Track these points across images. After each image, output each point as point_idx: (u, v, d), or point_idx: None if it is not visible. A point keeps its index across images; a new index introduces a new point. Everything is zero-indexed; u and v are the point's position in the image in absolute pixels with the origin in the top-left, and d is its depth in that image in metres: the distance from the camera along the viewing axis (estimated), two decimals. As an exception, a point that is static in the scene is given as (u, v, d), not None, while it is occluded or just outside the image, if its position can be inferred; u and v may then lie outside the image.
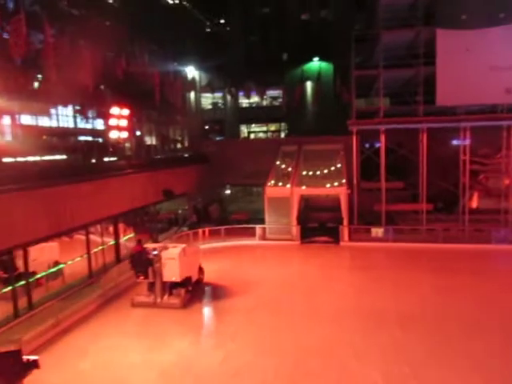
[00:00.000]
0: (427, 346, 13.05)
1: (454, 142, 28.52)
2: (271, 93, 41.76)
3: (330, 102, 36.52)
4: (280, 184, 27.46)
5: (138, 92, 27.04)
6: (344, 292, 18.13)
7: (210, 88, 39.84)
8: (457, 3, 25.68)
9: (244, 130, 44.40)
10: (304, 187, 26.90)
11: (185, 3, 45.19)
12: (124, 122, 23.55)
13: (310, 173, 28.97)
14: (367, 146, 30.88)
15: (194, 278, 17.85)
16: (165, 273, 16.43)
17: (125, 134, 23.91)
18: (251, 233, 26.23)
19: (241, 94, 42.50)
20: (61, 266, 18.25)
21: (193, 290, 17.49)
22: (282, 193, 26.56)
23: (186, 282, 16.94)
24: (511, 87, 25.41)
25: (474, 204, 28.87)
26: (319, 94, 36.57)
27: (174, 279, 16.49)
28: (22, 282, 15.25)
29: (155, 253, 16.51)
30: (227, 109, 42.97)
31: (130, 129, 25.24)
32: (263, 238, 26.37)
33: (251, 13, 43.68)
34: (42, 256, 17.47)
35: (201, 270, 18.88)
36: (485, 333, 13.84)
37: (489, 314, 15.36)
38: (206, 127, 43.40)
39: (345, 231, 25.85)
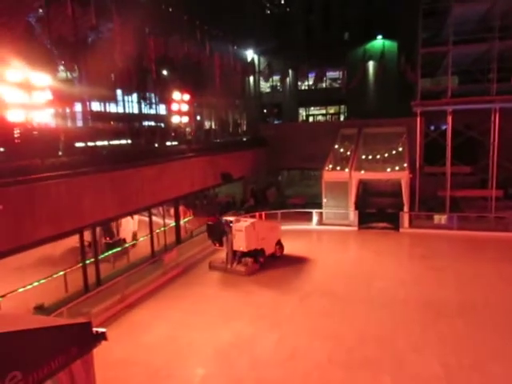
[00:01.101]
0: (489, 338, 12.48)
1: (532, 124, 26.31)
2: (331, 74, 40.87)
3: (393, 83, 35.11)
4: (338, 168, 27.01)
5: (198, 77, 27.62)
6: (402, 280, 17.62)
7: (269, 71, 39.69)
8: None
9: (302, 113, 43.93)
10: (363, 171, 26.24)
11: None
12: (185, 107, 24.21)
13: (370, 157, 28.18)
14: (432, 128, 29.36)
15: (269, 251, 19.82)
16: (234, 243, 18.81)
17: (185, 119, 24.60)
18: (308, 217, 26.17)
19: (300, 76, 42.04)
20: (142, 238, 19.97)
21: (264, 262, 19.32)
22: (340, 177, 26.11)
23: (255, 254, 19.01)
24: None
25: (551, 191, 26.60)
26: (382, 75, 35.22)
27: (241, 249, 18.77)
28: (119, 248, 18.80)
29: (230, 224, 18.85)
30: (286, 92, 42.63)
31: (191, 113, 25.94)
32: (320, 222, 26.20)
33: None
34: (128, 226, 21.14)
35: (279, 245, 20.69)
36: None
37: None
38: (265, 111, 43.44)
39: (405, 217, 24.98)
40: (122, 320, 14.62)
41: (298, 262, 20.14)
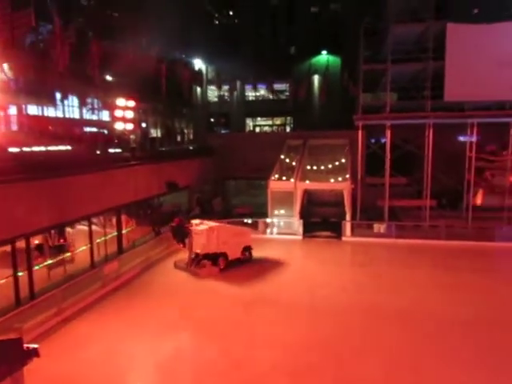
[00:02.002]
0: (424, 342, 13.10)
1: (461, 139, 28.26)
2: (278, 86, 41.60)
3: (336, 97, 36.34)
4: (284, 178, 27.47)
5: (144, 83, 27.07)
6: (344, 287, 18.12)
7: (217, 81, 39.77)
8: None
9: (250, 123, 44.33)
10: (308, 182, 26.87)
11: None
12: (130, 114, 23.61)
13: (315, 167, 28.93)
14: (373, 141, 30.71)
15: (233, 256, 20.37)
16: (194, 244, 19.75)
17: (130, 126, 23.98)
18: (254, 226, 26.29)
19: (248, 87, 42.48)
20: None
21: (226, 266, 19.91)
22: (286, 187, 26.56)
23: (216, 257, 19.66)
24: (519, 84, 25.00)
25: (479, 201, 28.61)
26: (326, 88, 36.35)
27: (198, 251, 19.65)
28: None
29: (191, 227, 19.83)
30: (233, 102, 42.87)
31: (136, 121, 25.33)
32: (265, 231, 26.43)
33: (260, 5, 43.36)
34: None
35: (248, 251, 21.22)
36: (483, 330, 13.85)
37: (488, 312, 15.29)
38: (212, 120, 43.39)
39: (347, 226, 25.82)
40: (58, 335, 13.83)
41: (242, 270, 20.12)
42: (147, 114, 31.08)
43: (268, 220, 26.60)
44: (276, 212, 26.84)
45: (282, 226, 26.71)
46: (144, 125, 30.54)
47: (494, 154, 28.28)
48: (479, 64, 25.25)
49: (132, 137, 26.55)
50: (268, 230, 26.52)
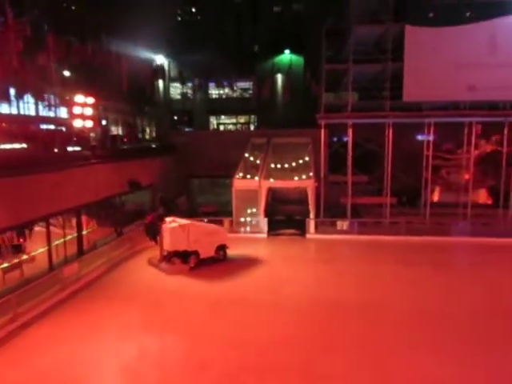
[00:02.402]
0: (387, 336, 13.46)
1: (419, 138, 29.23)
2: (242, 84, 41.61)
3: (299, 95, 36.67)
4: (248, 176, 27.47)
5: (104, 80, 26.34)
6: (308, 284, 18.36)
7: (180, 78, 39.27)
8: (425, 1, 26.16)
9: (213, 121, 44.07)
10: (272, 180, 26.99)
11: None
12: (89, 111, 22.88)
13: (279, 165, 29.08)
14: (335, 139, 31.26)
15: (205, 254, 20.32)
16: (164, 242, 19.87)
17: (89, 123, 23.24)
18: (219, 225, 26.07)
19: (211, 84, 42.21)
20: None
21: (196, 264, 19.87)
22: (250, 185, 26.58)
23: (186, 255, 19.68)
24: (473, 85, 26.12)
25: (436, 198, 29.79)
26: (289, 87, 36.65)
27: (166, 248, 19.78)
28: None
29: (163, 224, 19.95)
30: (196, 99, 42.47)
31: (95, 118, 24.59)
32: (230, 230, 26.30)
33: (223, 3, 43.15)
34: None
35: (221, 249, 21.04)
36: (438, 320, 14.47)
37: (446, 303, 15.93)
38: (175, 118, 42.80)
39: (311, 224, 26.16)
40: (14, 341, 13.21)
41: (207, 269, 19.98)
42: (107, 111, 30.27)
43: (232, 218, 26.50)
44: (240, 210, 26.78)
45: (246, 225, 26.69)
46: (104, 122, 29.70)
47: (449, 153, 29.47)
48: (436, 65, 26.18)
49: (92, 134, 25.78)
50: (232, 229, 26.39)
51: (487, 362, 11.78)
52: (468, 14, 26.25)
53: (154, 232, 20.34)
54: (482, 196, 29.84)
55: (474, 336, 13.36)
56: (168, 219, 20.74)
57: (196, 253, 20.12)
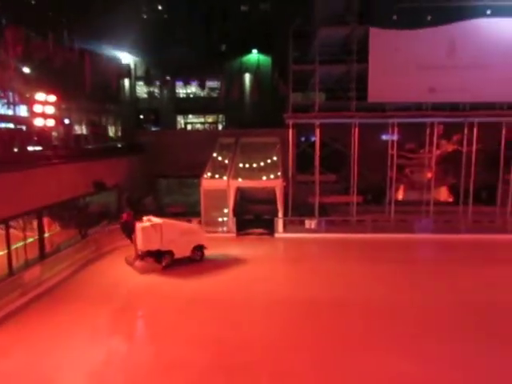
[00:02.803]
0: (357, 332, 13.70)
1: (384, 137, 29.94)
2: (210, 84, 41.30)
3: (267, 95, 36.79)
4: (217, 176, 27.34)
5: (66, 77, 25.54)
6: (278, 282, 18.47)
7: (147, 76, 38.59)
8: (388, 4, 26.80)
9: (181, 120, 43.55)
10: (240, 179, 26.96)
11: (119, -14, 43.06)
12: (50, 109, 22.11)
13: (247, 165, 29.08)
14: (303, 139, 31.58)
15: (180, 254, 20.17)
16: (137, 241, 19.67)
17: (51, 122, 22.47)
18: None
19: (179, 83, 41.70)
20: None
21: (169, 264, 19.73)
22: (219, 185, 26.46)
23: (159, 254, 19.59)
24: (434, 86, 26.99)
25: (400, 196, 30.62)
26: (257, 87, 36.72)
27: (139, 247, 19.60)
28: None
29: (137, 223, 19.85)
30: (164, 98, 41.86)
31: (58, 117, 23.81)
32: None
33: (191, 1, 42.70)
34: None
35: (197, 249, 20.80)
36: (405, 315, 14.89)
37: (411, 298, 16.42)
38: (141, 117, 42.04)
39: (280, 223, 26.32)
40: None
41: (178, 269, 19.75)
42: (70, 109, 29.33)
43: (201, 218, 26.30)
44: (209, 210, 26.61)
45: (215, 224, 26.54)
46: (67, 121, 28.78)
47: (412, 152, 30.34)
48: (399, 67, 26.87)
49: (54, 134, 24.96)
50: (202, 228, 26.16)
51: (452, 357, 12.17)
52: (429, 18, 27.02)
53: (129, 231, 20.25)
54: (444, 194, 30.93)
55: (438, 330, 13.78)
56: (145, 218, 20.53)
57: (170, 252, 19.94)
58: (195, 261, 20.84)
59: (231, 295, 16.92)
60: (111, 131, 37.16)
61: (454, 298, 16.31)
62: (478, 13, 26.52)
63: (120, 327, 14.08)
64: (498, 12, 26.48)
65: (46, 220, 20.22)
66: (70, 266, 19.75)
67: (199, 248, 21.04)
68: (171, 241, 19.84)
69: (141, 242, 19.61)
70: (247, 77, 39.58)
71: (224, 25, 42.86)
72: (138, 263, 19.65)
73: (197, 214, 26.60)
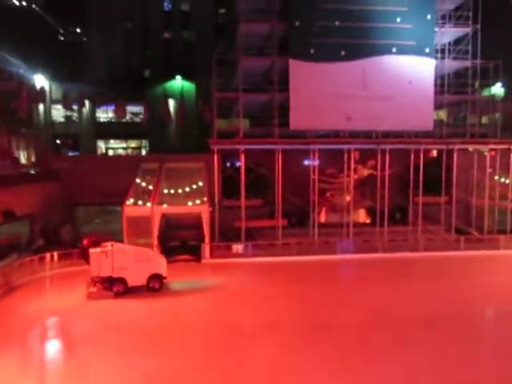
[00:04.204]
0: (285, 353, 13.78)
1: (306, 163, 31.20)
2: (132, 109, 40.45)
3: (192, 121, 36.90)
4: (140, 203, 26.45)
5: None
6: (204, 308, 18.14)
7: (64, 100, 36.85)
8: (306, 38, 28.50)
9: (102, 145, 41.98)
10: (165, 206, 26.36)
11: (34, 6, 41.50)
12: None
13: (172, 191, 28.57)
14: (228, 164, 31.88)
15: (135, 282, 19.41)
16: (90, 267, 19.30)
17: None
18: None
19: (100, 108, 40.38)
20: None
21: (122, 292, 19.16)
22: (142, 212, 25.60)
23: (110, 281, 19.05)
24: (351, 115, 28.90)
25: (322, 219, 31.90)
26: (182, 113, 36.68)
27: (92, 273, 19.20)
28: None
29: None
30: (83, 122, 40.18)
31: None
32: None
33: (111, 25, 42.02)
34: None
35: (154, 278, 19.80)
36: (335, 332, 15.54)
37: (337, 314, 17.29)
38: (58, 141, 39.85)
39: (206, 248, 26.01)
40: None
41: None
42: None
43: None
44: (132, 238, 25.52)
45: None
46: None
47: (333, 177, 31.92)
48: (317, 97, 28.52)
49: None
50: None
51: (374, 370, 12.67)
52: (343, 53, 29.13)
53: (86, 256, 19.82)
54: (362, 215, 32.80)
55: (361, 347, 14.33)
56: (107, 244, 19.68)
57: (122, 280, 19.24)
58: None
59: (157, 324, 16.34)
60: (23, 157, 34.72)
61: (373, 315, 17.15)
62: (386, 50, 29.24)
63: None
64: (401, 50, 29.42)
65: None
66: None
67: (156, 277, 19.94)
68: (123, 268, 19.13)
69: (92, 268, 19.20)
70: (171, 103, 39.44)
71: (146, 50, 42.67)
72: (91, 289, 19.30)
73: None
